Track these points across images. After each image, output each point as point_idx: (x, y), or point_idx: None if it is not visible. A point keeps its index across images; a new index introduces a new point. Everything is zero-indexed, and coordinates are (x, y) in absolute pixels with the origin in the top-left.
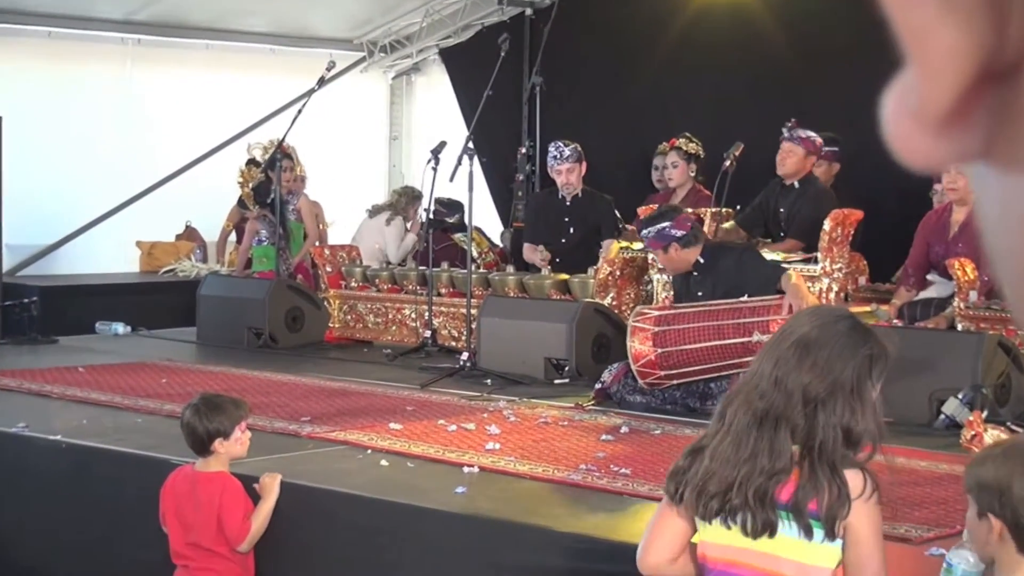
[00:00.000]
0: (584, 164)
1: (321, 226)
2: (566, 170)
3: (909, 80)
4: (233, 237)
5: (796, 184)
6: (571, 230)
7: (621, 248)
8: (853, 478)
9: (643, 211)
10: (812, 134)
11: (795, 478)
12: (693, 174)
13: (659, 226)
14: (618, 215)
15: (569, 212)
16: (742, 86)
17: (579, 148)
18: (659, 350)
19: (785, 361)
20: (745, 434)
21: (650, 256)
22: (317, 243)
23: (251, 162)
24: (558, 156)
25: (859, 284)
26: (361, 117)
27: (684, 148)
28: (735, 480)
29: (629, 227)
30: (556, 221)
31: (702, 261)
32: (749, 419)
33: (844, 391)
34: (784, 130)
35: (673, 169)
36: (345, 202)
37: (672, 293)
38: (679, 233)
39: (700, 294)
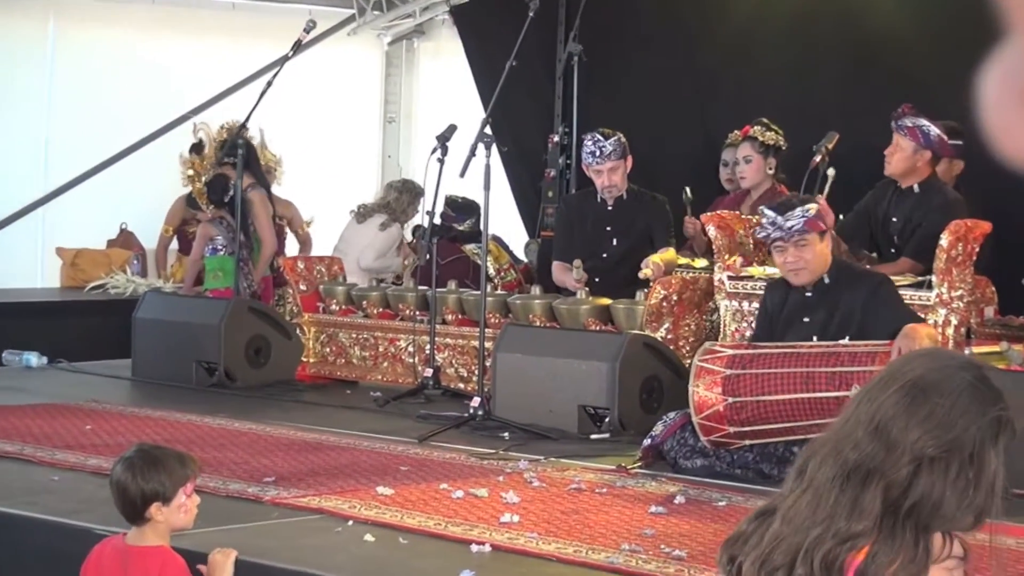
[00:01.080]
0: (630, 159)
1: (300, 229)
2: (608, 170)
3: (1019, 56)
4: (175, 245)
5: (916, 188)
6: (614, 242)
7: (682, 265)
8: (936, 540)
9: (708, 219)
10: (925, 123)
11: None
12: (772, 171)
13: (804, 208)
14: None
15: (611, 219)
16: (839, 60)
17: (623, 140)
18: (730, 399)
19: (892, 406)
20: (827, 490)
21: (717, 278)
22: (291, 252)
23: (195, 148)
24: (596, 152)
25: (985, 317)
26: (348, 93)
27: (760, 138)
28: (803, 546)
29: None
30: (595, 231)
31: (826, 280)
32: (835, 472)
33: (961, 455)
34: (894, 119)
35: (746, 165)
36: (327, 201)
37: (756, 326)
38: (829, 221)
39: (806, 320)
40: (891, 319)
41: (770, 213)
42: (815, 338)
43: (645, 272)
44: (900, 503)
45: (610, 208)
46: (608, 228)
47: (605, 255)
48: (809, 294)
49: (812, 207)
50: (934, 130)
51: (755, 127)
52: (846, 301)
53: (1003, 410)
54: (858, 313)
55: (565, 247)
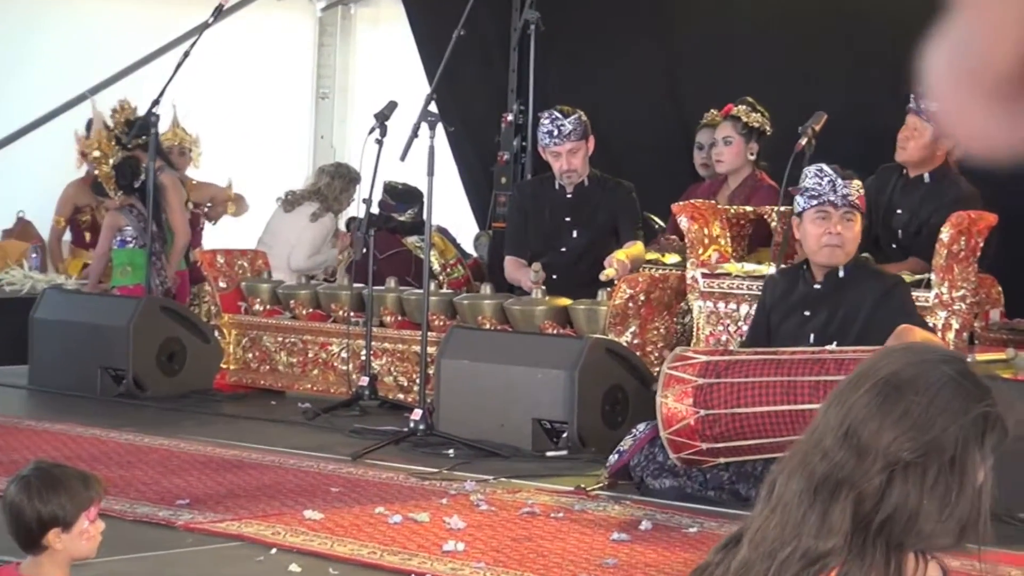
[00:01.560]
0: (592, 140)
1: (227, 199)
2: (567, 152)
3: (965, 31)
4: (68, 236)
5: (927, 178)
6: (574, 234)
7: (650, 261)
8: (915, 568)
9: (680, 209)
10: None
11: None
12: (753, 156)
13: (858, 183)
14: (652, 216)
15: (571, 208)
16: (830, 32)
17: (584, 118)
18: (702, 412)
19: (863, 407)
20: (795, 507)
21: (690, 275)
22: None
23: (91, 125)
24: (554, 131)
25: (990, 320)
26: (275, 66)
27: (744, 119)
28: (771, 571)
29: (661, 229)
30: (552, 222)
31: (841, 273)
32: (802, 486)
33: (941, 458)
34: (911, 99)
35: (725, 147)
36: (251, 187)
37: (750, 328)
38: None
39: (807, 314)
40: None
41: (830, 171)
42: (811, 336)
43: (608, 273)
44: (871, 517)
45: (569, 196)
46: (567, 219)
47: (564, 249)
48: (819, 286)
49: (861, 185)
50: None
51: (739, 106)
52: (853, 300)
53: (990, 406)
54: (864, 315)
55: (519, 240)
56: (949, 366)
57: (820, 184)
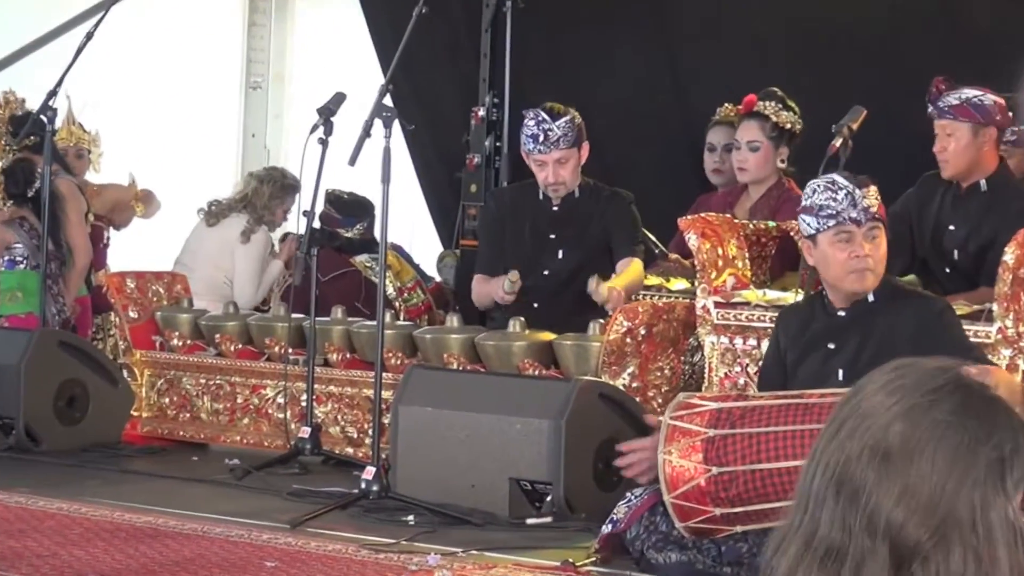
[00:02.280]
0: (586, 147)
1: (134, 200)
2: (554, 161)
3: None
4: None
5: (983, 185)
6: (560, 254)
7: (651, 287)
8: None
9: (688, 224)
10: (972, 92)
11: None
12: (784, 163)
13: (875, 191)
14: (651, 237)
15: (557, 224)
16: (865, 12)
17: (578, 121)
18: (714, 470)
19: (860, 477)
20: None
21: (701, 304)
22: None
23: None
24: (540, 136)
25: None
26: (197, 49)
27: (774, 118)
28: None
29: (660, 253)
30: (534, 239)
31: (870, 298)
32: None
33: (962, 530)
34: (930, 102)
35: (750, 153)
36: (166, 197)
37: (761, 369)
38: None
39: (831, 346)
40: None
41: (844, 182)
42: (840, 372)
43: (599, 294)
44: None
45: (556, 208)
46: (552, 235)
47: (547, 271)
48: (843, 314)
49: (876, 191)
50: (988, 97)
51: (766, 101)
52: (887, 327)
53: (999, 443)
54: (904, 345)
55: (492, 258)
56: (941, 406)
57: (835, 199)
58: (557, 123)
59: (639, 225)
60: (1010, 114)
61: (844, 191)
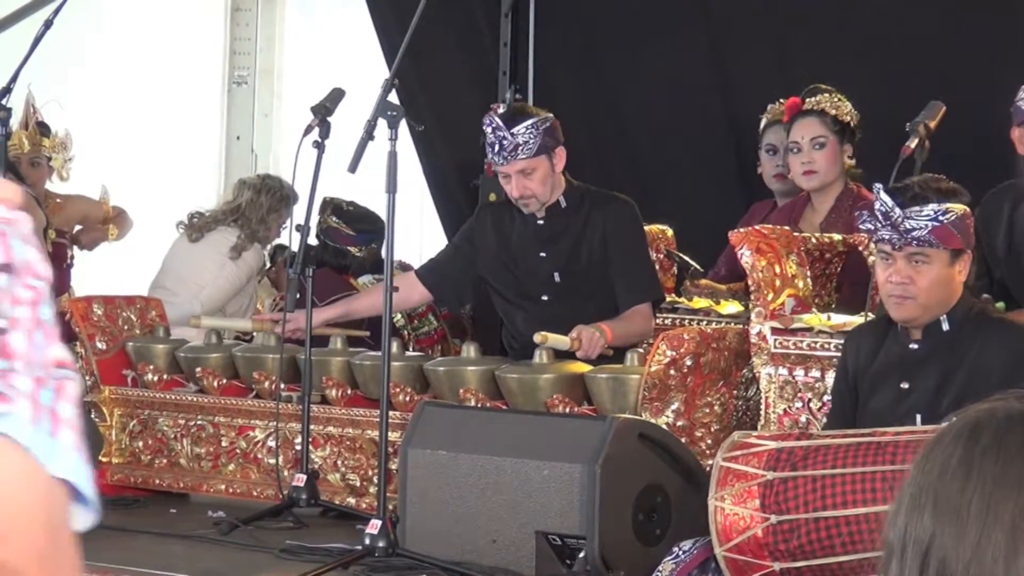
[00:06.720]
0: (560, 153)
1: (105, 217)
2: (516, 172)
3: None
4: None
5: None
6: (555, 277)
7: (699, 311)
8: None
9: (740, 238)
10: None
11: None
12: (852, 160)
13: (941, 207)
14: (681, 255)
15: (543, 241)
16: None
17: (548, 123)
18: (774, 519)
19: (991, 547)
20: None
21: (756, 331)
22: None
23: None
24: (496, 145)
25: None
26: (174, 41)
27: (834, 111)
28: None
29: (696, 268)
30: (524, 262)
31: (945, 327)
32: None
33: None
34: (1014, 111)
35: (817, 151)
36: (141, 209)
37: (832, 402)
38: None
39: (904, 386)
40: None
41: (887, 199)
42: (918, 417)
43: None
44: None
45: (540, 222)
46: (541, 254)
47: (545, 297)
48: (915, 345)
49: (955, 209)
50: None
51: (820, 95)
52: (972, 363)
53: None
54: (993, 381)
55: (439, 270)
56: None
57: (877, 212)
58: (515, 129)
59: (644, 241)
60: None
61: (883, 207)
